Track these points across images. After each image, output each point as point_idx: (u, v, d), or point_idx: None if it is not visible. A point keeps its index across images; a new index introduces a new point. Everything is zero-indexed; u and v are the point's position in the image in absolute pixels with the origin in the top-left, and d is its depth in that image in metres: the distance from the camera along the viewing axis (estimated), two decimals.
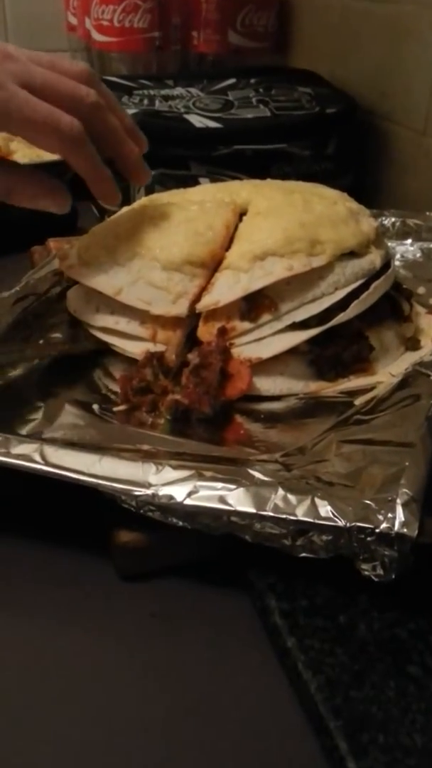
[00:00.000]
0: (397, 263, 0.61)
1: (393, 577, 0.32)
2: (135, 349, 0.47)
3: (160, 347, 0.46)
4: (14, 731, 0.30)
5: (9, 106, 0.40)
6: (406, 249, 0.66)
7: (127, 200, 0.78)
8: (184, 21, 0.98)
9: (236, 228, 0.49)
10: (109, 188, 0.45)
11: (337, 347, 0.47)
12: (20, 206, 0.45)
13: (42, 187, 0.44)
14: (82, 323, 0.50)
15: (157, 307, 0.46)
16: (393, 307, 0.52)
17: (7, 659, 0.34)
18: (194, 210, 0.49)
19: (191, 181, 0.74)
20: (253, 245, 0.46)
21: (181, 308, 0.46)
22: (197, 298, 0.46)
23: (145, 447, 0.40)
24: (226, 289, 0.45)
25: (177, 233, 0.47)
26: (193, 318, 0.47)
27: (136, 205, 0.54)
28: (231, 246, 0.47)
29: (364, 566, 0.32)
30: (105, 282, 0.47)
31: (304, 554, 0.33)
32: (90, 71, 0.44)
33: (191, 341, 0.47)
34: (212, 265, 0.47)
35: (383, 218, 0.68)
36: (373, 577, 0.32)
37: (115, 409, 0.44)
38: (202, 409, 0.42)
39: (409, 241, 0.66)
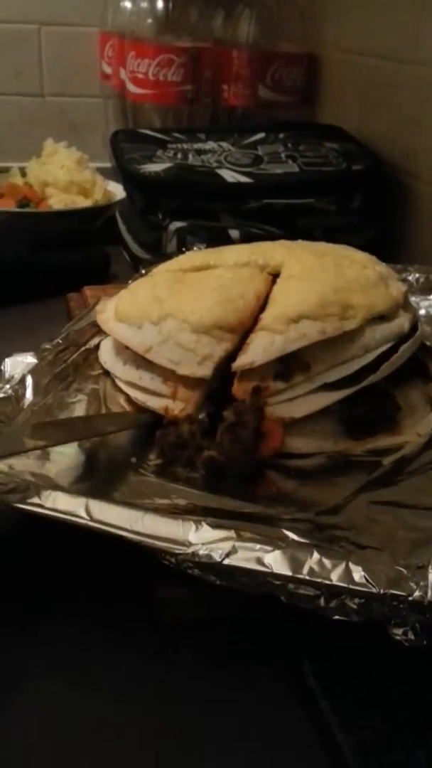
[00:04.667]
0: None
1: (424, 642, 0.33)
2: (155, 404, 0.49)
3: (179, 404, 0.48)
4: None
5: None
6: (431, 304, 0.68)
7: (158, 248, 0.80)
8: (216, 75, 1.02)
9: (269, 291, 0.51)
10: None
11: (365, 406, 0.49)
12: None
13: None
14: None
15: (184, 368, 0.47)
16: (419, 366, 0.54)
17: (48, 711, 0.35)
18: (229, 278, 0.51)
19: (221, 232, 0.77)
20: (288, 309, 0.47)
21: (206, 370, 0.47)
22: (222, 361, 0.48)
23: (181, 502, 0.42)
24: (261, 350, 0.47)
25: (210, 299, 0.49)
26: (213, 379, 0.48)
27: (174, 263, 0.56)
28: (266, 308, 0.49)
29: (395, 631, 0.34)
30: (137, 339, 0.49)
31: (336, 617, 0.35)
32: None
33: (210, 400, 0.49)
34: (240, 331, 0.48)
35: (407, 274, 0.70)
36: (404, 642, 0.33)
37: (152, 462, 0.46)
38: (238, 467, 0.44)
39: None
